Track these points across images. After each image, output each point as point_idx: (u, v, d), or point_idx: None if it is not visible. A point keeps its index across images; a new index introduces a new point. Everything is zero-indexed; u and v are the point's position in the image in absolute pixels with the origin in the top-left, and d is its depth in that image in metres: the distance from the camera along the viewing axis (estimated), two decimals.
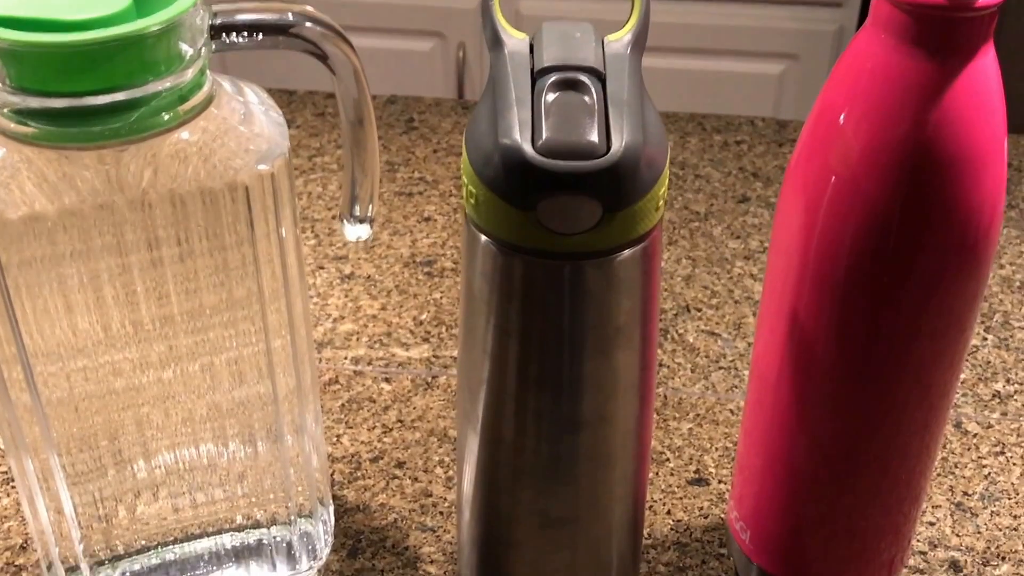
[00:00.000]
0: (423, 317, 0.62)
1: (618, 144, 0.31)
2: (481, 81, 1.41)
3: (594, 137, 0.31)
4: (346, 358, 0.59)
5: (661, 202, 0.33)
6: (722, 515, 0.51)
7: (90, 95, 0.33)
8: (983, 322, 0.63)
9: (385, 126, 0.80)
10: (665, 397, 0.57)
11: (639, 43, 0.34)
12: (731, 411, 0.56)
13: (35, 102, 0.33)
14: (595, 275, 0.33)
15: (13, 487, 0.52)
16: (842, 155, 0.36)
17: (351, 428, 0.55)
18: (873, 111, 0.35)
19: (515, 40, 0.33)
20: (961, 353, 0.39)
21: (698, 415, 0.56)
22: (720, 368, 0.59)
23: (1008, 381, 0.59)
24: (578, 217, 0.32)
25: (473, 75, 1.43)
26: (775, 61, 1.40)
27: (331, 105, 0.81)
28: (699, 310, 0.63)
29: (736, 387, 0.58)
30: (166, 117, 0.35)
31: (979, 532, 0.50)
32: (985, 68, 0.34)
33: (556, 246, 0.32)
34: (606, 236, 0.32)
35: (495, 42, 0.34)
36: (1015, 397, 0.58)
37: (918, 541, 0.50)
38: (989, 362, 0.60)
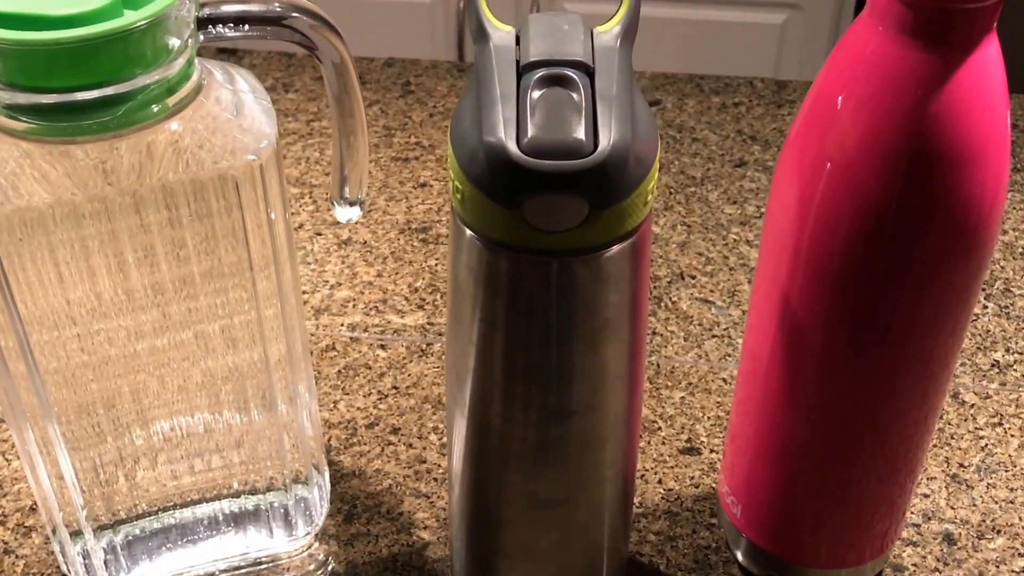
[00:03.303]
0: (418, 284, 0.63)
1: (605, 142, 0.31)
2: None
3: (580, 135, 0.31)
4: (343, 324, 0.60)
5: (650, 197, 0.33)
6: (713, 484, 0.52)
7: (78, 90, 0.33)
8: (983, 290, 0.63)
9: (383, 89, 0.79)
10: (657, 365, 0.58)
11: (629, 34, 0.33)
12: (724, 380, 0.57)
13: (23, 98, 0.33)
14: (582, 272, 0.33)
15: None
16: (838, 143, 0.35)
17: (347, 394, 0.56)
18: (871, 102, 0.34)
19: (501, 33, 0.33)
20: (963, 326, 0.39)
21: (690, 384, 0.57)
22: (713, 336, 0.59)
23: (1008, 351, 0.59)
24: (564, 215, 0.32)
25: None
26: (777, 11, 1.38)
27: None
28: (693, 277, 0.63)
29: (729, 355, 0.58)
30: (155, 109, 0.35)
31: (974, 504, 0.51)
32: (987, 59, 0.33)
33: (542, 243, 0.32)
34: (593, 233, 0.32)
35: (480, 34, 0.33)
36: (1015, 367, 0.58)
37: (912, 513, 0.50)
38: (989, 331, 0.60)
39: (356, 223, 0.67)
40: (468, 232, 0.34)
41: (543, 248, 0.33)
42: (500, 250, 0.33)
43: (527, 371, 0.36)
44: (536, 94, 0.32)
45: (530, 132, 0.31)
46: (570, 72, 0.32)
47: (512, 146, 0.31)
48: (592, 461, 0.39)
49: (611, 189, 0.31)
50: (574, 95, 0.32)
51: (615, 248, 0.33)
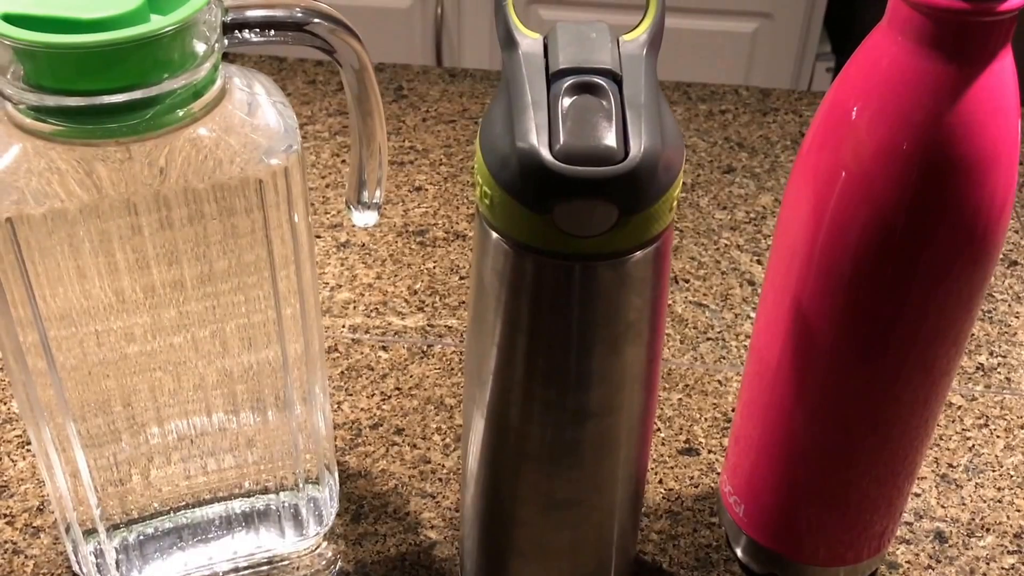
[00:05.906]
0: (417, 286, 0.63)
1: (636, 149, 0.31)
2: (459, 41, 1.40)
3: (612, 142, 0.32)
4: (344, 326, 0.60)
5: (675, 203, 0.34)
6: (712, 484, 0.52)
7: (106, 93, 0.33)
8: None
9: None
10: None
11: (655, 43, 0.34)
12: (719, 382, 0.58)
13: (51, 100, 0.33)
14: (608, 276, 0.34)
15: (27, 450, 0.52)
16: (854, 151, 0.36)
17: (351, 395, 0.56)
18: (888, 111, 0.35)
19: (529, 40, 0.34)
20: (964, 335, 0.40)
21: (687, 386, 0.58)
22: (708, 339, 0.60)
23: (991, 354, 0.61)
24: (594, 220, 0.32)
25: (451, 33, 1.42)
26: (748, 19, 1.40)
27: (321, 73, 0.81)
28: (687, 281, 0.64)
29: (724, 358, 0.59)
30: (180, 113, 0.35)
31: (964, 503, 0.52)
32: (1003, 71, 0.34)
33: (570, 247, 0.33)
34: (620, 238, 0.33)
35: (509, 41, 0.34)
36: (998, 370, 0.60)
37: (904, 512, 0.51)
38: (972, 335, 0.62)
39: (354, 226, 0.67)
40: (494, 235, 0.34)
41: (570, 252, 0.33)
42: (527, 253, 0.34)
43: (549, 373, 0.36)
44: (567, 101, 0.32)
45: (562, 139, 0.31)
46: (599, 80, 0.32)
47: (545, 152, 0.31)
48: (608, 462, 0.39)
49: (640, 195, 0.32)
50: (604, 102, 0.32)
51: (640, 253, 0.34)
